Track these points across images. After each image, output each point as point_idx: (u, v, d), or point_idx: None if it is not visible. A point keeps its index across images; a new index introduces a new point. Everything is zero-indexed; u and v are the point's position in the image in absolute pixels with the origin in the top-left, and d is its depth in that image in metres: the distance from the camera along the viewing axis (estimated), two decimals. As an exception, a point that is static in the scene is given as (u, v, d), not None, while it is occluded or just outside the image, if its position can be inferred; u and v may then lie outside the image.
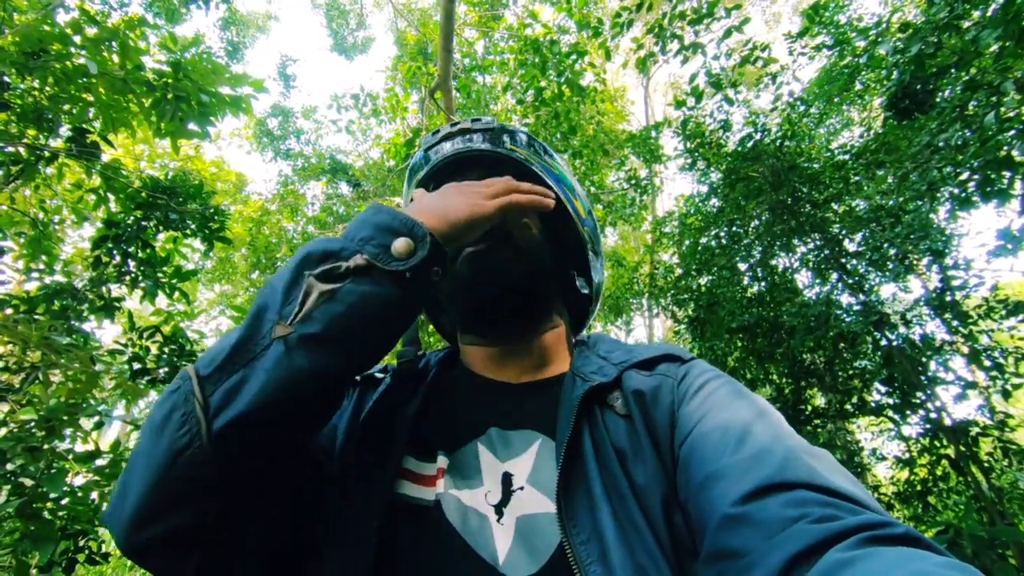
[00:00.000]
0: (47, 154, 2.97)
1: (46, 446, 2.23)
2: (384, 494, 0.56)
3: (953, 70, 3.51)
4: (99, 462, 2.48)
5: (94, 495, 2.47)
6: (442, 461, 0.59)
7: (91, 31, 2.85)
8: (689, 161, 5.37)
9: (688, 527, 0.49)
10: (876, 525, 0.36)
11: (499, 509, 0.55)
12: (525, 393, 0.68)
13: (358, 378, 0.72)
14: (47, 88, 2.90)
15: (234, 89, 3.20)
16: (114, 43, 2.90)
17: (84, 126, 3.05)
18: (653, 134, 6.97)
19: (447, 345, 0.85)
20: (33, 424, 2.29)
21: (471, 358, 0.75)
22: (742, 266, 4.97)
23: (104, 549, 2.66)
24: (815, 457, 0.45)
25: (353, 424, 0.65)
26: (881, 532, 0.35)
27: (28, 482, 2.18)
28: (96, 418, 2.59)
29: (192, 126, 3.17)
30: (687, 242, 5.46)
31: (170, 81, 3.03)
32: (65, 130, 3.08)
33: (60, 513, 2.36)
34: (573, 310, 0.83)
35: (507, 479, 0.57)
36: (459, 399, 0.69)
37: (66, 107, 3.00)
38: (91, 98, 3.02)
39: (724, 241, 5.01)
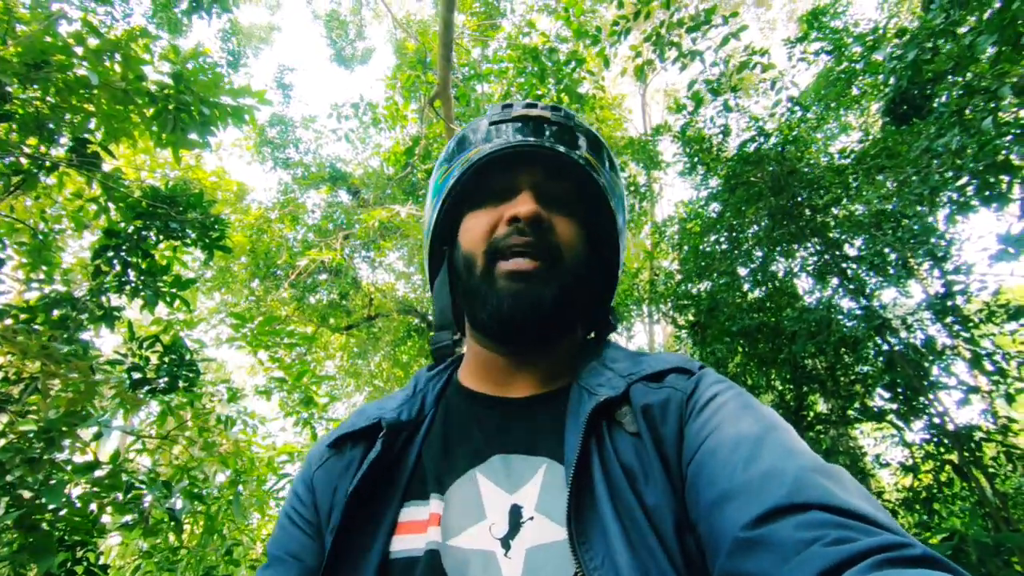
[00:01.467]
0: (48, 164, 2.98)
1: (45, 457, 2.22)
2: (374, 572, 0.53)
3: (950, 75, 3.52)
4: (98, 473, 2.47)
5: (93, 506, 2.46)
6: (436, 505, 0.56)
7: (93, 42, 2.87)
8: (688, 166, 5.39)
9: (699, 547, 0.48)
10: (892, 547, 0.35)
11: (506, 542, 0.53)
12: (529, 410, 0.65)
13: (328, 449, 0.66)
14: (49, 98, 2.92)
15: (236, 100, 3.22)
16: (117, 54, 2.92)
17: (85, 136, 3.06)
18: (651, 141, 7.00)
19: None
20: (32, 435, 2.28)
21: (475, 367, 0.71)
22: (742, 271, 4.96)
23: (103, 561, 2.65)
24: (828, 475, 0.43)
25: (329, 514, 0.59)
26: (897, 554, 0.34)
27: (27, 494, 2.17)
28: (95, 428, 2.58)
29: (193, 136, 3.19)
30: (686, 247, 5.47)
31: (171, 92, 3.04)
32: (66, 140, 3.10)
33: (58, 524, 2.34)
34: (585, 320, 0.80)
35: (515, 511, 0.54)
36: (456, 427, 0.65)
37: (67, 117, 3.02)
38: (92, 108, 3.03)
39: (724, 246, 5.01)
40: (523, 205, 0.65)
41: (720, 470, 0.47)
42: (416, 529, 0.55)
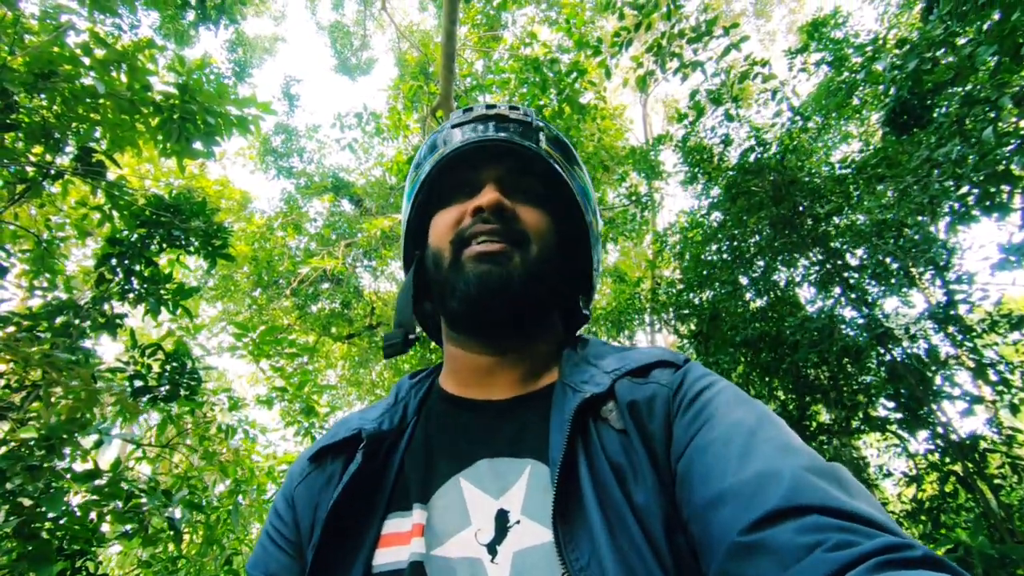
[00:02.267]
0: (53, 172, 3.00)
1: (45, 465, 2.21)
2: None
3: (950, 85, 3.54)
4: (98, 482, 2.46)
5: (92, 515, 2.45)
6: (418, 515, 0.54)
7: (100, 53, 2.91)
8: (689, 176, 5.41)
9: (690, 546, 0.47)
10: (893, 548, 0.35)
11: (492, 548, 0.51)
12: (512, 411, 0.63)
13: (309, 463, 0.65)
14: (55, 107, 2.95)
15: (241, 110, 3.24)
16: (123, 65, 2.95)
17: (91, 145, 3.08)
18: (652, 151, 7.04)
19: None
20: (33, 442, 2.28)
21: (455, 370, 0.70)
22: (744, 280, 4.96)
23: (102, 570, 2.63)
24: (826, 475, 0.43)
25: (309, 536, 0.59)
26: (898, 556, 0.34)
27: (27, 501, 2.16)
28: (95, 436, 2.57)
29: (198, 145, 3.21)
30: (688, 257, 5.47)
31: (176, 102, 3.07)
32: (71, 149, 3.12)
33: (58, 533, 2.33)
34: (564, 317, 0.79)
35: (502, 516, 0.53)
36: (438, 433, 0.64)
37: (73, 126, 3.05)
38: (98, 118, 3.06)
39: (726, 256, 5.01)
40: (486, 195, 0.65)
41: (713, 468, 0.46)
42: (399, 541, 0.54)
